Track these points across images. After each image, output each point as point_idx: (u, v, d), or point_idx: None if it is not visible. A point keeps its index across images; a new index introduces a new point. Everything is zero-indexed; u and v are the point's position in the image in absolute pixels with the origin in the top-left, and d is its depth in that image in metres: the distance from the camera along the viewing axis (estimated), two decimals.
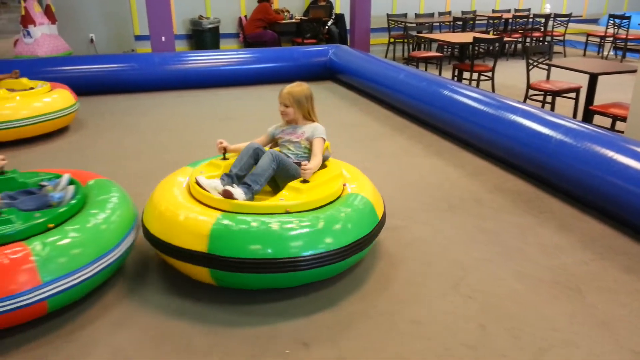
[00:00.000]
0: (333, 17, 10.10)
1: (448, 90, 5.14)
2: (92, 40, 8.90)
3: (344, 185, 2.86)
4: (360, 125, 5.56)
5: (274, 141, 3.13)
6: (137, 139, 5.04)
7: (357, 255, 2.58)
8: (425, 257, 2.92)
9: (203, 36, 9.74)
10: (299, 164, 2.81)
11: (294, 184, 2.66)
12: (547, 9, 11.24)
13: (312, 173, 2.72)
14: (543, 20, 10.14)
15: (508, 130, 4.22)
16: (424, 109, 5.45)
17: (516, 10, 11.30)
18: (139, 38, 9.54)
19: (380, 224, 2.76)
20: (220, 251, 2.34)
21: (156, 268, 2.80)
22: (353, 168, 3.13)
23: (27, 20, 7.85)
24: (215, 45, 9.85)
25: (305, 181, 2.67)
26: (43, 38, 7.90)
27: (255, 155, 2.85)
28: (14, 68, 5.43)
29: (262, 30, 9.58)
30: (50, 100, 4.92)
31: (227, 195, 2.54)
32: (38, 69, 6.23)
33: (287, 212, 2.49)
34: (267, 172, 2.74)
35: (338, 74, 7.58)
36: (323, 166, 2.91)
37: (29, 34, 7.91)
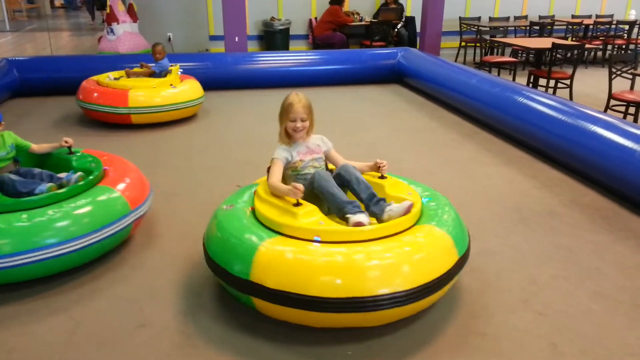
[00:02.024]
0: (403, 19, 10.00)
1: (523, 97, 4.96)
2: (169, 39, 9.28)
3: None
4: (427, 130, 5.46)
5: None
6: (205, 136, 5.21)
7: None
8: (495, 270, 2.82)
9: (274, 37, 9.92)
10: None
11: (377, 180, 2.68)
12: (632, 15, 10.59)
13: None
14: (627, 27, 9.57)
15: (587, 141, 4.01)
16: (495, 116, 5.28)
17: (598, 16, 10.73)
18: (213, 38, 9.85)
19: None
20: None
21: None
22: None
23: (111, 18, 8.31)
24: (285, 47, 10.01)
25: (383, 177, 2.70)
26: (125, 35, 8.34)
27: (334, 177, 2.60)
28: (97, 64, 5.76)
29: (331, 32, 9.64)
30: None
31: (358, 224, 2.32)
32: (119, 65, 6.57)
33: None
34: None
35: (406, 77, 7.49)
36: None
37: (112, 31, 8.37)
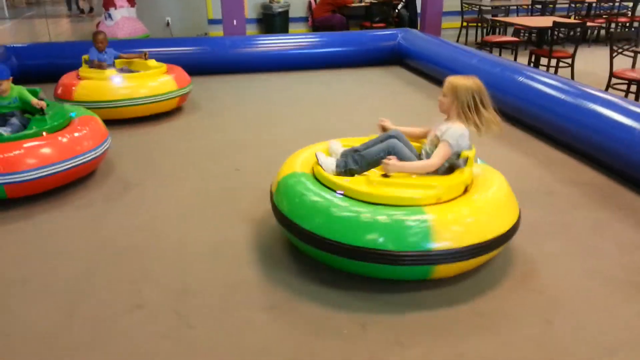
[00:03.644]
0: (404, 0, 9.89)
1: (523, 77, 4.92)
2: (168, 24, 9.22)
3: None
4: (428, 112, 5.43)
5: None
6: (206, 120, 5.20)
7: None
8: None
9: (273, 20, 9.84)
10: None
11: (371, 175, 2.63)
12: None
13: (399, 171, 2.56)
14: (631, 4, 9.43)
15: (587, 119, 3.99)
16: (496, 96, 5.15)
17: None
18: (212, 22, 9.78)
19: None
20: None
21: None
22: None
23: (109, 3, 8.25)
24: (284, 29, 9.93)
25: (385, 175, 2.57)
26: (123, 20, 8.29)
27: (386, 138, 2.72)
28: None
29: (330, 14, 9.55)
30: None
31: (318, 159, 2.58)
32: (117, 50, 6.53)
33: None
34: (371, 158, 2.64)
35: (406, 59, 7.43)
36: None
37: (110, 16, 8.32)
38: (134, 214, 3.28)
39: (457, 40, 9.26)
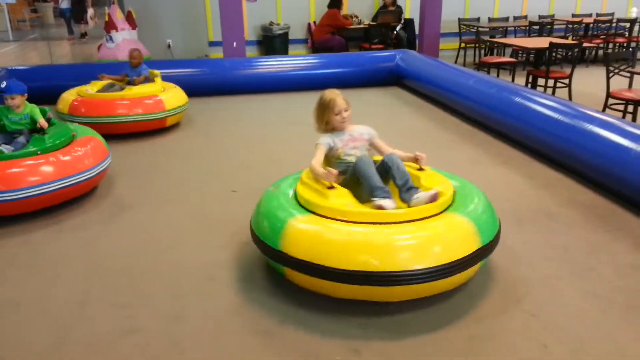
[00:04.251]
0: (402, 22, 10.00)
1: (520, 97, 4.94)
2: (169, 46, 9.32)
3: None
4: (426, 132, 5.46)
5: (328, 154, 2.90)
6: (204, 141, 5.22)
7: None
8: (488, 271, 2.81)
9: (273, 42, 9.94)
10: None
11: (415, 171, 2.78)
12: (634, 13, 10.53)
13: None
14: (628, 25, 9.52)
15: (584, 140, 3.99)
16: (493, 117, 5.27)
17: (598, 15, 10.68)
18: (212, 44, 9.88)
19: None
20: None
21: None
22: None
23: (110, 25, 8.36)
24: (284, 51, 10.02)
25: (421, 169, 2.79)
26: (124, 43, 8.39)
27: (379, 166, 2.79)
28: (98, 71, 5.78)
29: (330, 35, 9.65)
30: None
31: (379, 207, 2.52)
32: (119, 72, 6.60)
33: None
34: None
35: (404, 80, 7.49)
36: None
37: (111, 39, 8.42)
38: (128, 236, 3.27)
39: (456, 61, 9.34)
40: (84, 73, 5.91)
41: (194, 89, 7.11)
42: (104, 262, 2.97)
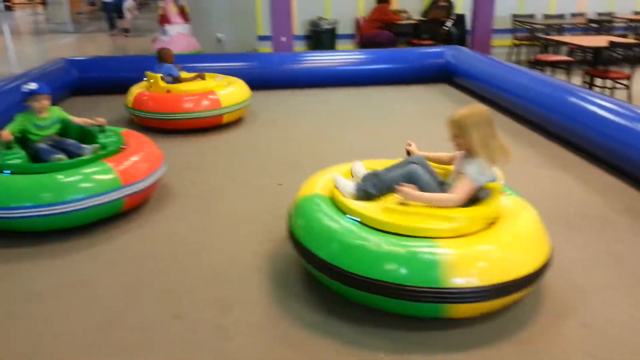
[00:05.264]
0: (453, 17, 9.81)
1: (576, 98, 4.77)
2: (219, 40, 9.48)
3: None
4: None
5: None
6: (252, 134, 5.29)
7: None
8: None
9: (320, 37, 9.96)
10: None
11: (385, 202, 2.49)
12: None
13: (414, 200, 2.43)
14: None
15: None
16: (547, 117, 5.10)
17: None
18: (261, 38, 9.99)
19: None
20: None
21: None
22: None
23: (164, 19, 8.59)
24: (331, 46, 10.03)
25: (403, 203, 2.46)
26: (177, 36, 8.59)
27: (408, 163, 2.66)
28: (152, 64, 5.92)
29: (378, 30, 9.58)
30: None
31: (335, 181, 2.54)
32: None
33: None
34: (390, 183, 2.56)
35: (454, 77, 7.35)
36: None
37: (165, 32, 8.64)
38: (177, 225, 3.37)
39: (509, 59, 9.08)
40: (140, 65, 6.08)
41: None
42: (153, 249, 3.07)
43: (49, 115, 3.60)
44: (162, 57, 5.59)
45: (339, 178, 2.66)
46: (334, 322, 2.40)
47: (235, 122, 5.65)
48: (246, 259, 2.95)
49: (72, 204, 3.06)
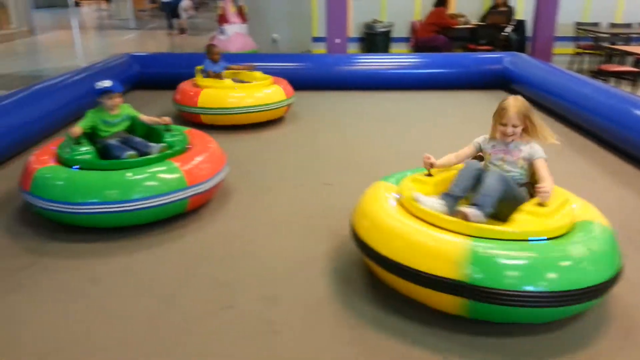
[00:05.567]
0: (513, 23, 9.55)
1: None
2: (274, 40, 9.62)
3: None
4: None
5: (478, 155, 2.87)
6: (303, 134, 5.33)
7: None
8: None
9: (375, 39, 9.92)
10: (524, 185, 2.66)
11: (532, 208, 2.43)
12: None
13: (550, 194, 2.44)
14: None
15: None
16: (611, 130, 4.88)
17: None
18: (316, 40, 10.06)
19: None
20: (482, 281, 2.14)
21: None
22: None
23: (223, 19, 8.79)
24: (385, 49, 9.97)
25: (542, 204, 2.44)
26: (235, 36, 8.78)
27: (477, 176, 2.61)
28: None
29: (434, 34, 9.45)
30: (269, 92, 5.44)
31: (463, 216, 2.37)
32: (229, 63, 6.92)
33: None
34: (497, 194, 2.49)
35: (512, 84, 7.14)
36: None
37: (223, 31, 8.84)
38: (231, 220, 3.44)
39: (570, 68, 8.76)
40: (198, 62, 6.23)
41: (296, 83, 7.27)
42: (207, 242, 3.14)
43: (120, 112, 3.65)
44: (206, 53, 5.80)
45: (421, 197, 2.53)
46: (393, 319, 2.39)
47: (285, 121, 5.72)
48: (301, 257, 2.97)
49: (138, 202, 3.04)
